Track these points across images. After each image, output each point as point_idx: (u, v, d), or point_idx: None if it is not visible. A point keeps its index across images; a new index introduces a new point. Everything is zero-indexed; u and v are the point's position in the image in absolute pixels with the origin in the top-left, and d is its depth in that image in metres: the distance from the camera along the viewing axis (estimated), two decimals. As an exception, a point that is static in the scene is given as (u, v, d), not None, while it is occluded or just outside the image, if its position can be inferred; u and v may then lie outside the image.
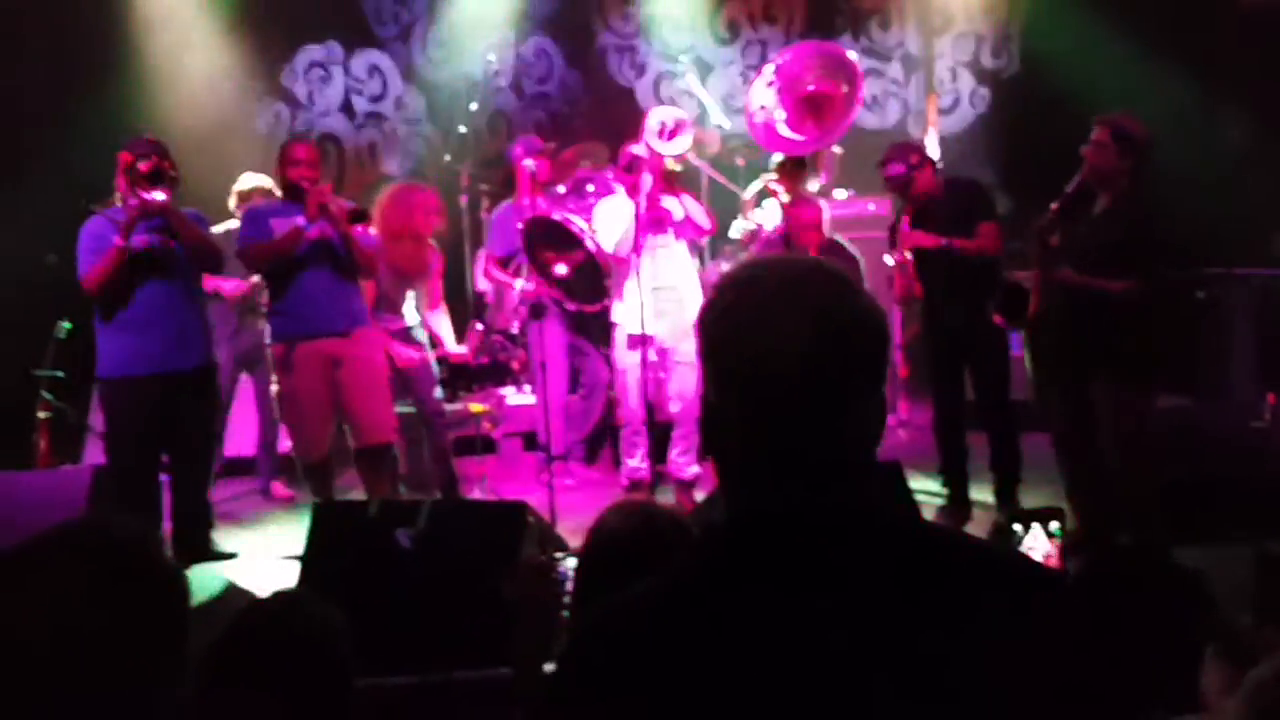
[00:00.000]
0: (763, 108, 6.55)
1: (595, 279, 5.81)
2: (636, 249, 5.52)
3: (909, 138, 8.02)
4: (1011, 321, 4.91)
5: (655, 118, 5.70)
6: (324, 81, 8.62)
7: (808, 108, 6.57)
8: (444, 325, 6.15)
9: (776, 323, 1.17)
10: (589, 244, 5.67)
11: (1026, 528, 2.99)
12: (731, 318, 1.21)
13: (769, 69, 6.66)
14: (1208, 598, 1.99)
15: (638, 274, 5.53)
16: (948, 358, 5.44)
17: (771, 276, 1.22)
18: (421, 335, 5.98)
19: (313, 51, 8.59)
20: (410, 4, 8.73)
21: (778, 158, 6.74)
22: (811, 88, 6.53)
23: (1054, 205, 4.66)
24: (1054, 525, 3.02)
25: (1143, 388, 4.65)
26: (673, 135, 5.61)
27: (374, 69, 8.70)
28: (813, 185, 6.97)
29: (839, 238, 6.50)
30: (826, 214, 6.34)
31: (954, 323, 5.25)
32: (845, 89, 6.50)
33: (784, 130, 6.56)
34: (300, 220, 5.14)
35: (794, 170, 6.77)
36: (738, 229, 6.88)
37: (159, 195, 4.88)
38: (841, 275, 1.23)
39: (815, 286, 1.20)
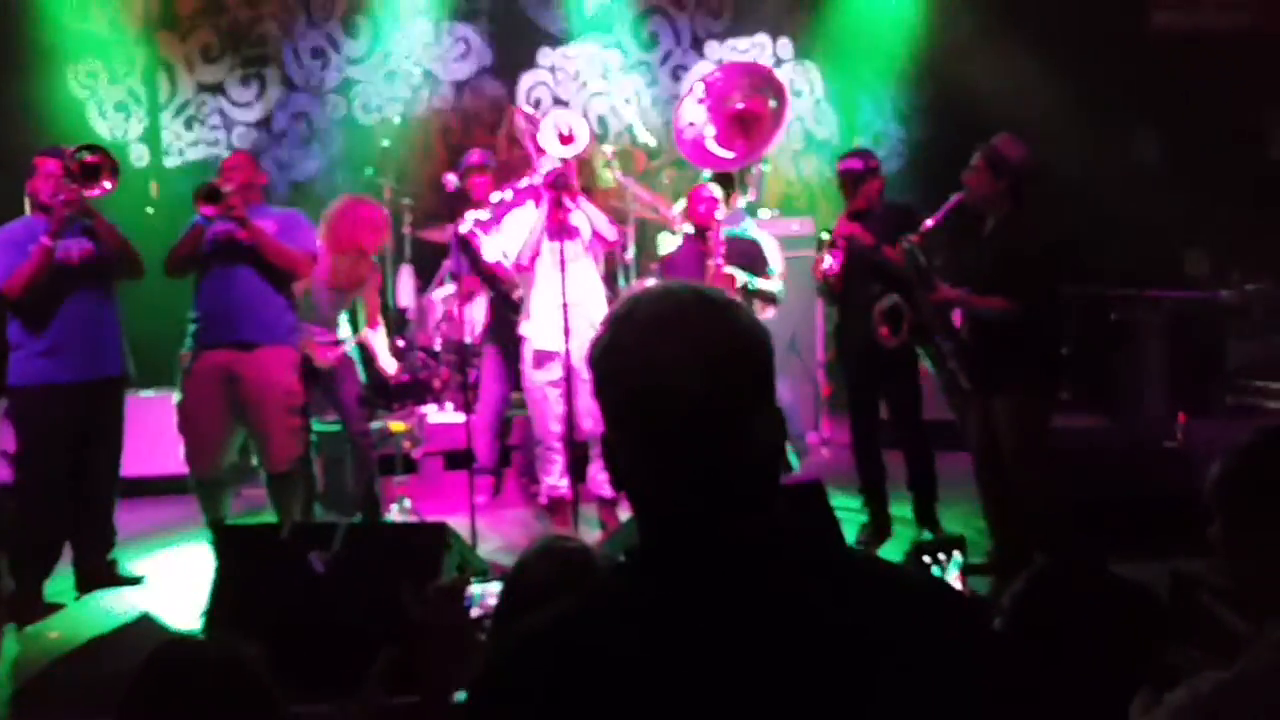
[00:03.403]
0: (692, 124, 6.58)
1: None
2: (539, 261, 5.44)
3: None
4: (894, 336, 5.04)
5: (550, 122, 5.65)
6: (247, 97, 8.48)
7: (737, 125, 6.62)
8: (380, 341, 6.01)
9: (653, 356, 1.17)
10: (486, 259, 5.63)
11: (936, 558, 2.97)
12: (612, 355, 1.21)
13: (699, 86, 6.70)
14: (1159, 615, 1.98)
15: (550, 288, 5.44)
16: (860, 379, 5.49)
17: (644, 310, 1.22)
18: (354, 352, 5.86)
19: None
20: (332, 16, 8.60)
21: (707, 174, 6.75)
22: (740, 105, 6.59)
23: (925, 224, 4.85)
24: (956, 555, 3.00)
25: (1035, 402, 4.74)
26: (569, 140, 5.57)
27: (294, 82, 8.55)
28: (740, 202, 7.00)
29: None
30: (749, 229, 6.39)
31: (865, 345, 5.29)
32: (773, 105, 6.57)
33: (713, 146, 6.60)
34: (200, 219, 5.02)
35: (720, 187, 6.78)
36: (668, 245, 6.87)
37: (106, 185, 4.85)
38: (718, 299, 1.23)
39: (688, 315, 1.20)
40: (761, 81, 6.75)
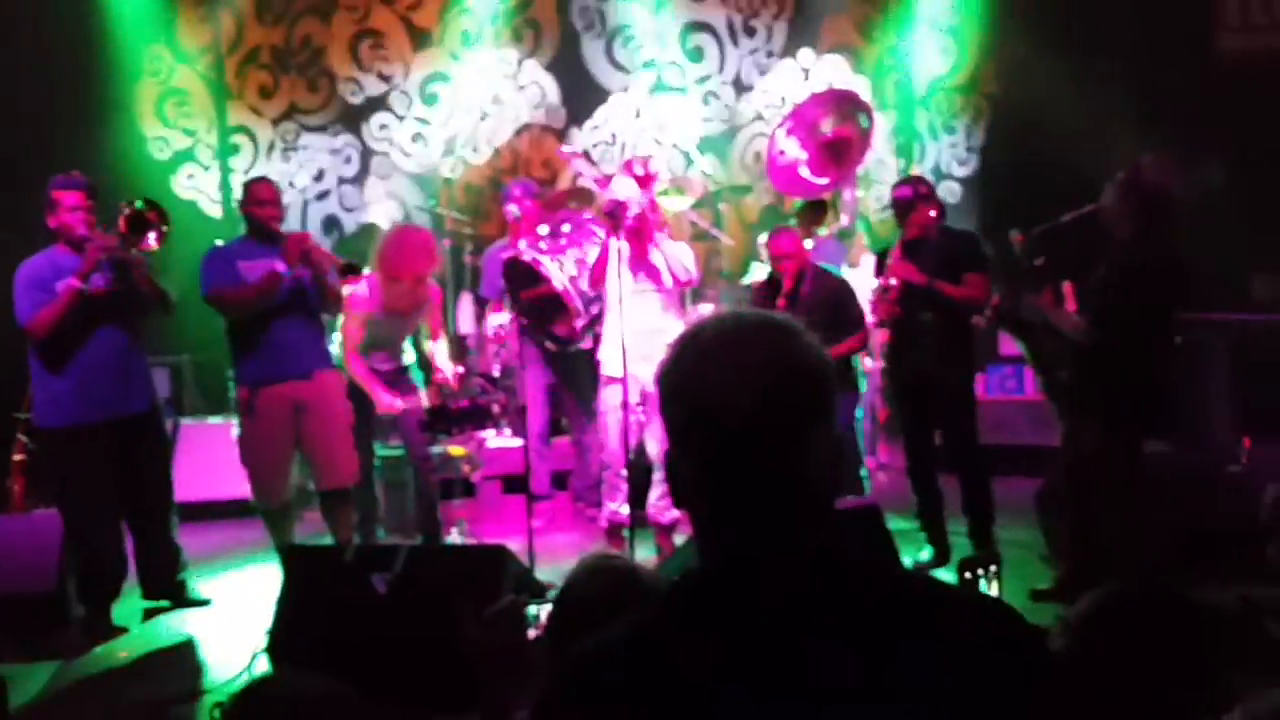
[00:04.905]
0: (782, 152, 6.65)
1: (564, 318, 5.81)
2: (611, 290, 5.48)
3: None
4: (993, 316, 5.00)
5: (625, 166, 5.74)
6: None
7: (828, 152, 6.67)
8: (440, 351, 6.08)
9: (712, 374, 1.20)
10: (556, 285, 5.67)
11: (977, 573, 2.94)
12: (676, 374, 1.24)
13: (787, 121, 6.78)
14: (1228, 641, 1.94)
15: (621, 317, 5.50)
16: (914, 404, 5.45)
17: (709, 331, 1.25)
18: (417, 376, 5.94)
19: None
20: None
21: (798, 203, 6.80)
22: (829, 132, 6.63)
23: (1039, 229, 4.77)
24: (993, 569, 2.97)
25: (1121, 439, 4.62)
26: (647, 179, 5.64)
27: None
28: (834, 228, 7.04)
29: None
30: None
31: (918, 369, 5.26)
32: (863, 126, 6.61)
33: (806, 173, 6.67)
34: (280, 266, 5.10)
35: (814, 214, 6.80)
36: (756, 273, 6.91)
37: (151, 243, 4.93)
38: (782, 323, 1.25)
39: (749, 336, 1.22)
40: (848, 105, 6.80)
